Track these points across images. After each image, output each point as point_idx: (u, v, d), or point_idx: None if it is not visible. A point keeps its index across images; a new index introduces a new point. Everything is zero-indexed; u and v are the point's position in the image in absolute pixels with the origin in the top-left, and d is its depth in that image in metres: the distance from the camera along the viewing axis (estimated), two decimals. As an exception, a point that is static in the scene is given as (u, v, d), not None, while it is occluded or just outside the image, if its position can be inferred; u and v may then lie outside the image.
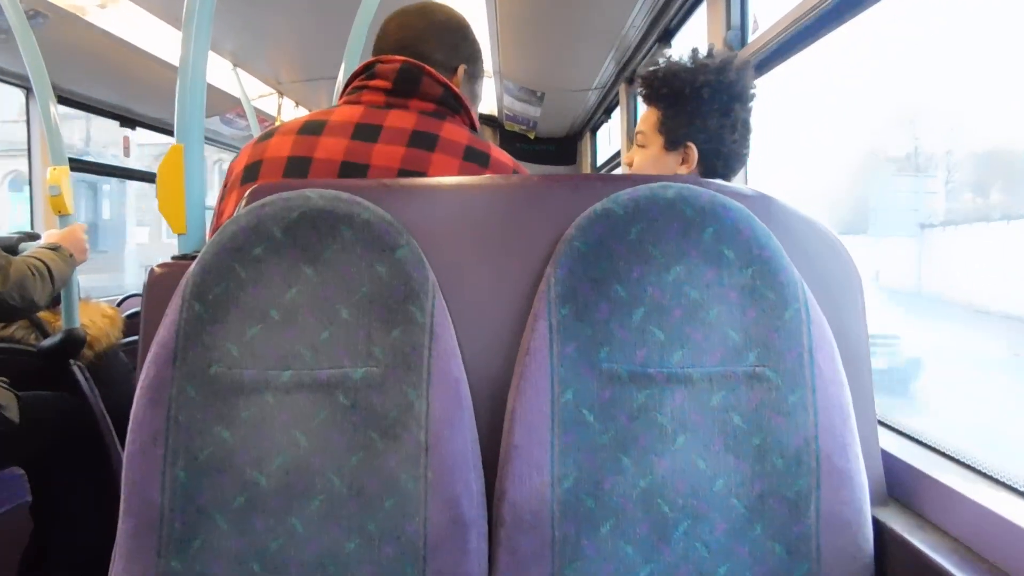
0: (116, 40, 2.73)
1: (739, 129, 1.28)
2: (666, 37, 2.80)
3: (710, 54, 1.30)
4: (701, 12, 2.28)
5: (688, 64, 1.28)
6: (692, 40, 2.65)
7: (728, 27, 1.89)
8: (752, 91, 1.30)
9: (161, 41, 2.84)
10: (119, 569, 0.79)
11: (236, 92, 3.52)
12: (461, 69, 1.18)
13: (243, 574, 0.78)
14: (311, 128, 1.06)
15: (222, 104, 3.81)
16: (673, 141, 1.29)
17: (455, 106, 1.11)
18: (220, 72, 3.37)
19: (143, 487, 0.78)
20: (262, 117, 4.12)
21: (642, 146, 1.34)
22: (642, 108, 1.37)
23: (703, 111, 1.26)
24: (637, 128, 1.36)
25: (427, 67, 1.08)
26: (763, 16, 1.78)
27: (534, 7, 2.87)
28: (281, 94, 4.05)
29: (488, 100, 4.84)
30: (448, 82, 1.10)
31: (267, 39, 3.15)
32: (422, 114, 1.07)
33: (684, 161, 1.30)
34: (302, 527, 0.79)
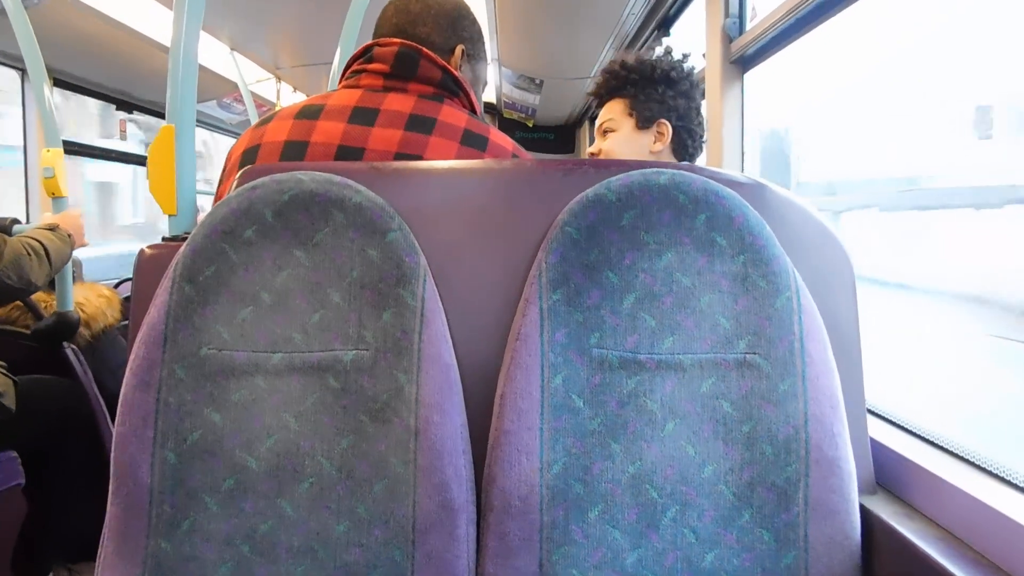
0: (112, 22, 2.70)
1: (700, 115, 1.39)
2: (664, 25, 2.79)
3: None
4: (699, 0, 2.26)
5: (647, 57, 1.39)
6: (690, 29, 2.64)
7: (726, 15, 1.88)
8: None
9: (157, 23, 2.81)
10: (109, 550, 0.79)
11: (233, 76, 3.49)
12: (459, 49, 1.17)
13: (232, 556, 0.78)
14: (309, 112, 1.06)
15: (219, 88, 3.78)
16: (646, 119, 1.36)
17: (454, 89, 1.10)
18: (217, 56, 3.34)
19: (133, 469, 0.78)
20: (260, 102, 4.09)
21: (611, 131, 1.40)
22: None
23: (672, 92, 1.36)
24: (600, 121, 1.44)
25: (425, 50, 1.08)
26: (761, 4, 1.77)
27: (533, -6, 2.85)
28: (279, 79, 4.01)
29: (487, 87, 4.83)
30: (447, 64, 1.09)
31: (265, 23, 3.12)
32: (421, 97, 1.07)
33: (658, 138, 1.36)
34: (292, 510, 0.79)
